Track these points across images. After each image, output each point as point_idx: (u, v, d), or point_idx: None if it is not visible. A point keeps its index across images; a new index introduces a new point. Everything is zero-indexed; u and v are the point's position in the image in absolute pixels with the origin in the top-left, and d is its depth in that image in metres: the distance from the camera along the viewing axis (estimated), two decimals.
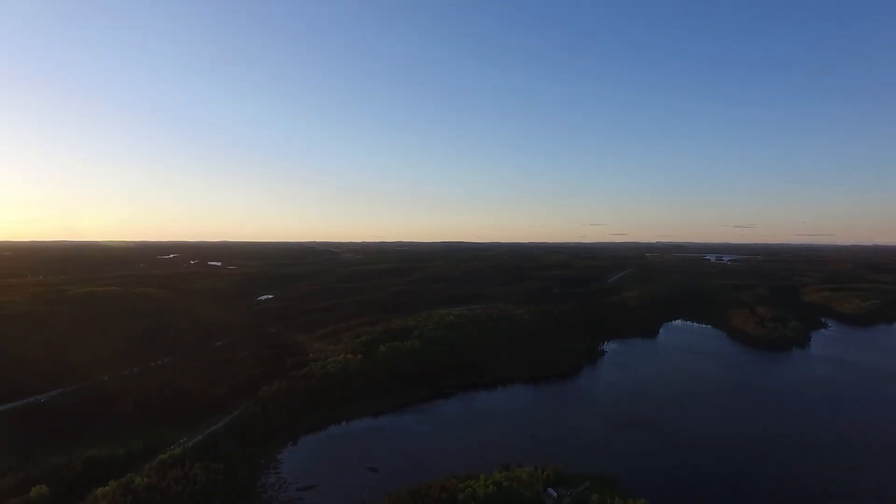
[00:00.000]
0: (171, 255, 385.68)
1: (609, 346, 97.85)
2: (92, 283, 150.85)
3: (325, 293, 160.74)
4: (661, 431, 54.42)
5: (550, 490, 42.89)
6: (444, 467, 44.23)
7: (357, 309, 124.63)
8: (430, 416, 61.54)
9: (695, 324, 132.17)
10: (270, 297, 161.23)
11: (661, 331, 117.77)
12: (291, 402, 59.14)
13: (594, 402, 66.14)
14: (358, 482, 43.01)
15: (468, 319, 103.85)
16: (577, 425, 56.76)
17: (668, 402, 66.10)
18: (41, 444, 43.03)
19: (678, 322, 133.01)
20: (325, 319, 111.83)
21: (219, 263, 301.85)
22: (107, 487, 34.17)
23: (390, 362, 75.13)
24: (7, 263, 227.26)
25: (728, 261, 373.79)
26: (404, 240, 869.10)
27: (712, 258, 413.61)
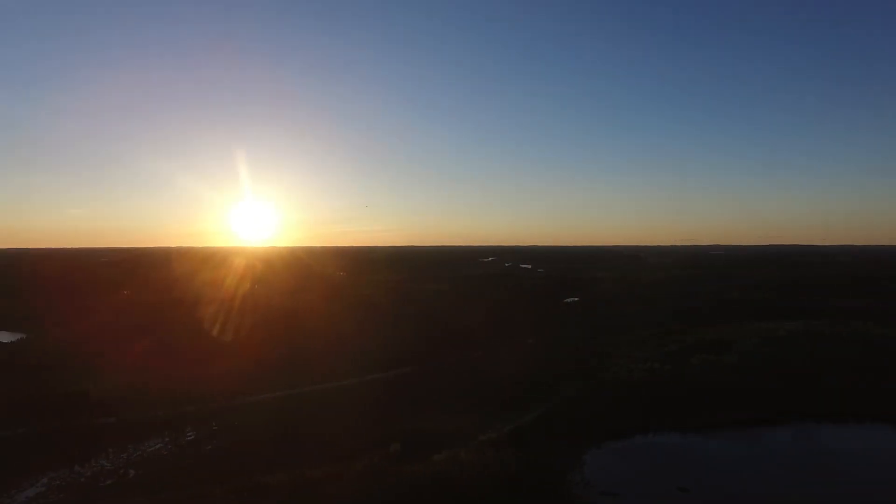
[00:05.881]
0: (490, 259, 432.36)
1: None
2: (421, 283, 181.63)
3: (630, 298, 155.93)
4: None
5: None
6: None
7: (665, 316, 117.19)
8: (751, 442, 53.18)
9: None
10: (576, 299, 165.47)
11: None
12: (595, 404, 59.33)
13: None
14: (666, 499, 40.29)
15: (805, 336, 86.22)
16: None
17: None
18: (394, 410, 53.58)
19: None
20: (630, 325, 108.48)
21: (529, 266, 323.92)
22: (440, 455, 40.54)
23: (703, 376, 68.15)
24: (368, 265, 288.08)
25: None
26: (720, 242, 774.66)
27: None
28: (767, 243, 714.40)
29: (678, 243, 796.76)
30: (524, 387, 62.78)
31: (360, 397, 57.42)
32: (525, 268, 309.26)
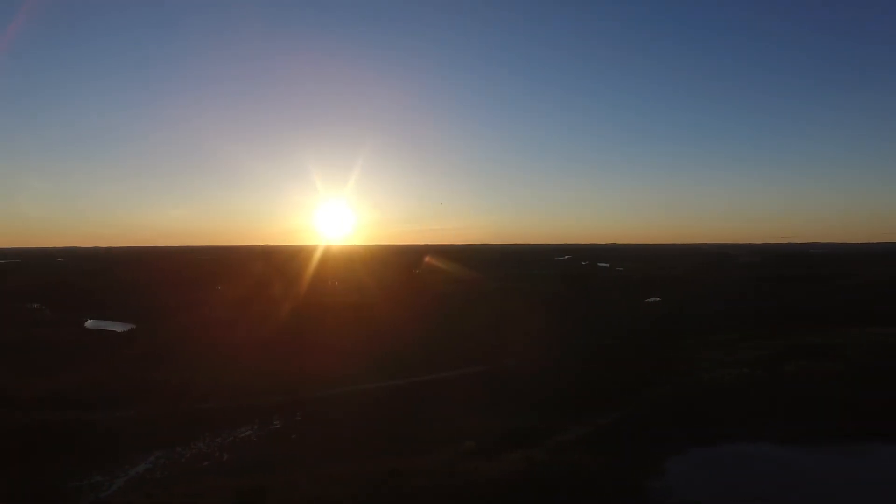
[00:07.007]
0: (566, 257, 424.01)
1: None
2: (495, 280, 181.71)
3: (718, 298, 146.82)
4: None
5: None
6: None
7: (756, 318, 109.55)
8: (855, 458, 48.24)
9: None
10: (658, 299, 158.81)
11: None
12: (678, 409, 56.56)
13: None
14: None
15: None
16: None
17: None
18: (466, 408, 53.94)
19: None
20: (718, 327, 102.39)
21: (607, 265, 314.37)
22: (514, 454, 40.42)
23: (801, 384, 63.00)
24: (443, 263, 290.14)
25: None
26: (819, 241, 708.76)
27: None
28: (876, 241, 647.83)
29: (772, 241, 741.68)
30: (602, 388, 61.16)
31: (433, 394, 58.39)
32: (603, 266, 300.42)
